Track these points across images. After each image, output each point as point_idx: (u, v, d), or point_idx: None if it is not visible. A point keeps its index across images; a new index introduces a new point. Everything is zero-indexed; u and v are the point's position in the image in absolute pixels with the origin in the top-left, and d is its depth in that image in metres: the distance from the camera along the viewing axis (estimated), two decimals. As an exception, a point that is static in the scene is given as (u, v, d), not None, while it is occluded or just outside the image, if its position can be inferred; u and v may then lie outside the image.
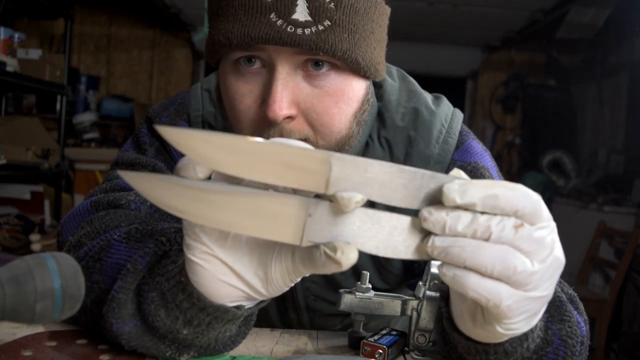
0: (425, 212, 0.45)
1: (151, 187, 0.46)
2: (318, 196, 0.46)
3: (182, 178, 0.46)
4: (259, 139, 0.44)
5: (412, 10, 3.95)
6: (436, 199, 0.45)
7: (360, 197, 0.44)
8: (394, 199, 0.45)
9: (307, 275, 0.50)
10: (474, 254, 0.44)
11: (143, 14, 4.92)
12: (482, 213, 0.45)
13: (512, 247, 0.45)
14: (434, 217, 0.45)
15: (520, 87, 5.10)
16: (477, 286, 0.45)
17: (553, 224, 0.47)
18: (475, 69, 5.19)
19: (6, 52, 2.85)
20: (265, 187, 0.47)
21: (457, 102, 0.91)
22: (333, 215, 0.45)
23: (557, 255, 0.47)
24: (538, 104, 5.00)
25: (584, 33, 4.10)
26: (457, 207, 0.45)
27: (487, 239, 0.45)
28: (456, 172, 0.46)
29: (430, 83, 0.99)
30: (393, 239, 0.46)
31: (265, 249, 0.50)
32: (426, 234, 0.46)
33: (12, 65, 2.84)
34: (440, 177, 0.45)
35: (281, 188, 0.47)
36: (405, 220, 0.46)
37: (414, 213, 0.47)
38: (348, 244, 0.45)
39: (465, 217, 0.45)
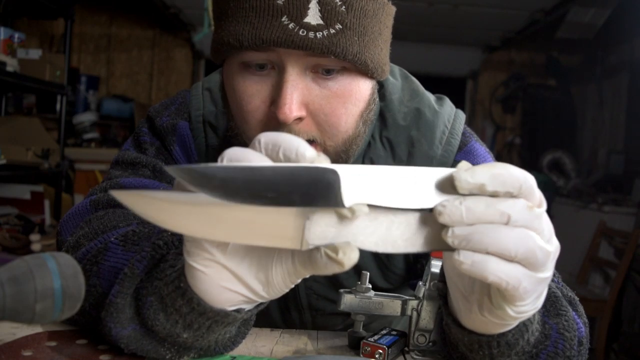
0: (439, 207, 0.44)
1: (145, 205, 0.44)
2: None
3: (175, 194, 0.45)
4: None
5: (412, 10, 3.95)
6: (445, 190, 0.45)
7: (366, 210, 0.44)
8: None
9: (308, 276, 0.50)
10: (495, 239, 0.44)
11: (143, 14, 4.92)
12: (493, 195, 0.44)
13: (528, 229, 0.45)
14: (448, 209, 0.44)
15: (520, 87, 5.10)
16: (497, 270, 0.44)
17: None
18: (475, 69, 5.19)
19: (6, 52, 2.84)
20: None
21: (457, 102, 0.91)
22: (331, 216, 0.45)
23: (555, 238, 0.48)
24: (538, 104, 5.00)
25: (584, 33, 4.11)
26: (467, 195, 0.45)
27: (505, 223, 0.44)
28: (464, 164, 0.46)
29: (430, 83, 0.99)
30: (391, 234, 0.46)
31: (266, 253, 0.50)
32: (427, 225, 0.46)
33: (12, 65, 2.83)
34: (441, 170, 0.46)
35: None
36: (402, 214, 0.46)
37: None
38: (348, 243, 0.45)
39: (479, 202, 0.44)
